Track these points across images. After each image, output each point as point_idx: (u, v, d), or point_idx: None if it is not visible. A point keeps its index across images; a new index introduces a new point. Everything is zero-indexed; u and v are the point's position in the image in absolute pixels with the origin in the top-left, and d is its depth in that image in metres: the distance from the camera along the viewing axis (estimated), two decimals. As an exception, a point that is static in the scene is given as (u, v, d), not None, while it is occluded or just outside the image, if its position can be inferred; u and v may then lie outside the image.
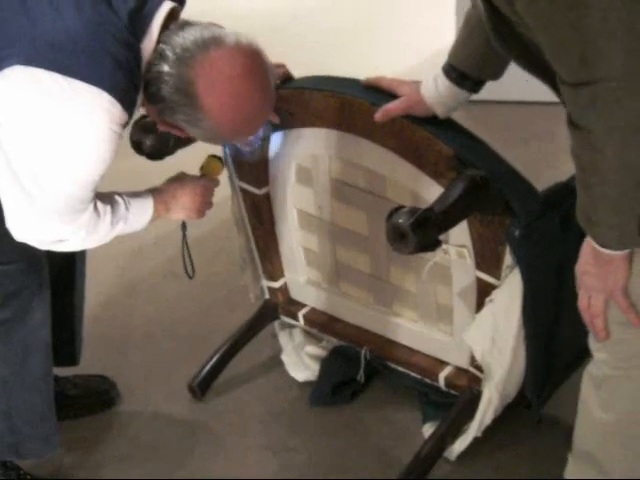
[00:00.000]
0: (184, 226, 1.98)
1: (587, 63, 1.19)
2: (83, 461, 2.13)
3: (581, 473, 1.63)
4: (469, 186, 1.62)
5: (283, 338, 2.36)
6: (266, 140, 1.99)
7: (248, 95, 1.52)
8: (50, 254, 1.75)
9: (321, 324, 2.26)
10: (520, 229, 1.67)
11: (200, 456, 2.12)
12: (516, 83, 2.34)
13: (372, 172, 1.89)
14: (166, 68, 1.49)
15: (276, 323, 2.37)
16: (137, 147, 1.93)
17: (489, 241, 1.74)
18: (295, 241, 2.18)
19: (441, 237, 1.65)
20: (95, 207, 1.60)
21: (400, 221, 1.57)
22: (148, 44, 1.51)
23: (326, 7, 4.97)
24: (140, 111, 1.64)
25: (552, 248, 1.75)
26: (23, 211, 1.55)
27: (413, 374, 2.10)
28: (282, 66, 1.88)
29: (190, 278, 2.02)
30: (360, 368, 2.18)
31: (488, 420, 1.94)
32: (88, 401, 2.24)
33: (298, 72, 1.94)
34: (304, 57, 3.37)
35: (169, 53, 1.49)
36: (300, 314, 2.27)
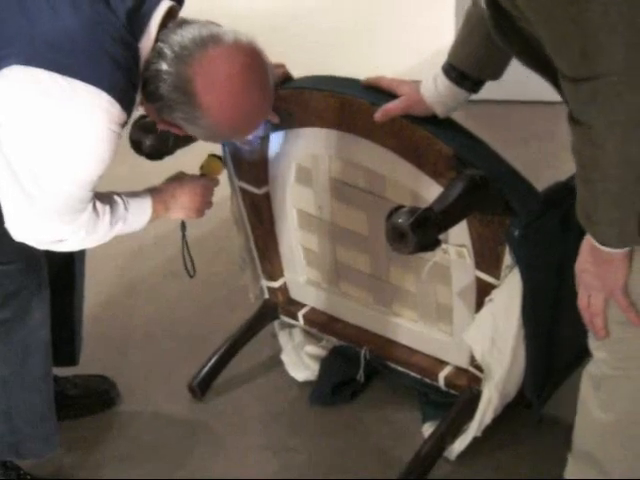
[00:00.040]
0: (183, 226, 1.98)
1: (588, 57, 1.19)
2: (83, 461, 2.13)
3: (581, 473, 1.62)
4: (469, 186, 1.62)
5: (283, 338, 2.36)
6: (266, 140, 1.99)
7: (247, 93, 1.52)
8: (49, 254, 1.75)
9: (321, 324, 2.26)
10: (520, 229, 1.67)
11: (200, 456, 2.12)
12: (516, 83, 2.34)
13: (372, 172, 1.89)
14: (164, 66, 1.49)
15: (276, 323, 2.37)
16: (137, 147, 1.93)
17: (489, 241, 1.74)
18: (295, 241, 2.18)
19: (441, 237, 1.64)
20: (94, 207, 1.60)
21: (400, 221, 1.57)
22: (146, 43, 1.51)
23: (326, 7, 4.96)
24: (139, 110, 1.64)
25: (552, 248, 1.75)
26: (23, 211, 1.55)
27: (413, 374, 2.10)
28: (282, 66, 1.87)
29: (191, 277, 2.02)
30: (360, 368, 2.18)
31: (488, 420, 1.94)
32: (88, 401, 2.24)
33: (298, 72, 1.94)
34: (304, 57, 3.36)
35: (167, 51, 1.49)
36: (300, 314, 2.27)
